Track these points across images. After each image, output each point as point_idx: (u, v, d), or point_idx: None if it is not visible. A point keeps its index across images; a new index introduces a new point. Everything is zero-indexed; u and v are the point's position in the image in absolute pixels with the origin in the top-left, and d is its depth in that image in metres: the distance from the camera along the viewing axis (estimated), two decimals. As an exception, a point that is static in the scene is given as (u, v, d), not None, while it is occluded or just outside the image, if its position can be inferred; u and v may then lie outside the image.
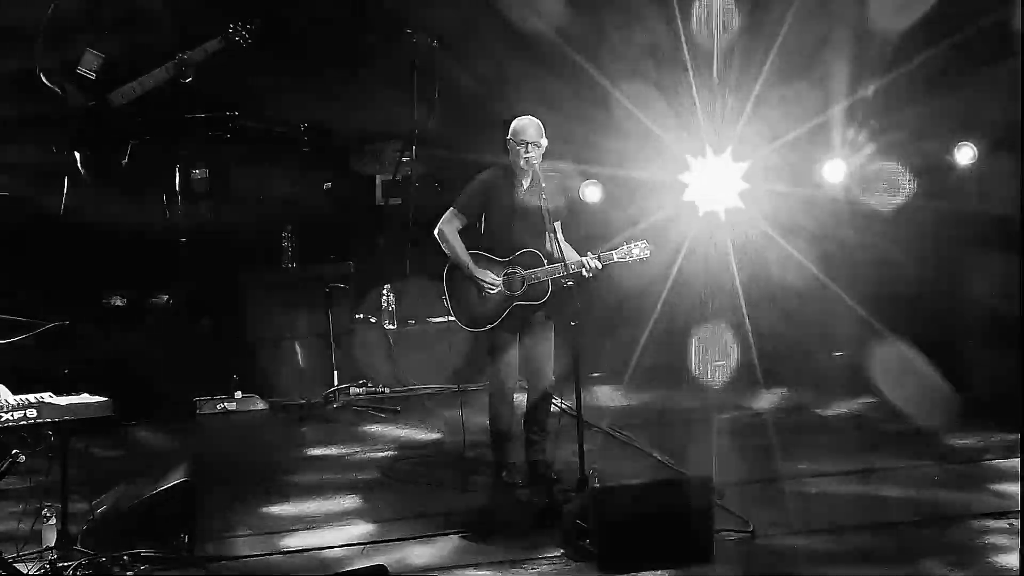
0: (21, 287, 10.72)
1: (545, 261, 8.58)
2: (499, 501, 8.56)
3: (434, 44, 11.72)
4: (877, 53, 11.20)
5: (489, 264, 8.64)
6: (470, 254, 8.63)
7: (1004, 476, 8.81)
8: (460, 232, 8.65)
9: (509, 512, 8.35)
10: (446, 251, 8.66)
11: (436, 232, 8.69)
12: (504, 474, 8.77)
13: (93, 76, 10.88)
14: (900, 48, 11.14)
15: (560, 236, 8.67)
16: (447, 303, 8.76)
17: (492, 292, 8.57)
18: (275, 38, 11.33)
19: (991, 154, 11.24)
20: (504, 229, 8.64)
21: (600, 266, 8.57)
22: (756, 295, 11.35)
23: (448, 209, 8.70)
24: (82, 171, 10.90)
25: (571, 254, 8.61)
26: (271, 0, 11.35)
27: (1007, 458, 9.07)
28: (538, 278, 8.57)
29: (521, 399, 8.88)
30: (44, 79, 10.85)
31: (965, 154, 11.35)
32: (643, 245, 8.59)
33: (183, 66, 10.83)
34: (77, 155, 10.86)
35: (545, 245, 8.60)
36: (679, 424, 10.05)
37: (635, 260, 8.60)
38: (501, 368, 8.72)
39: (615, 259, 8.60)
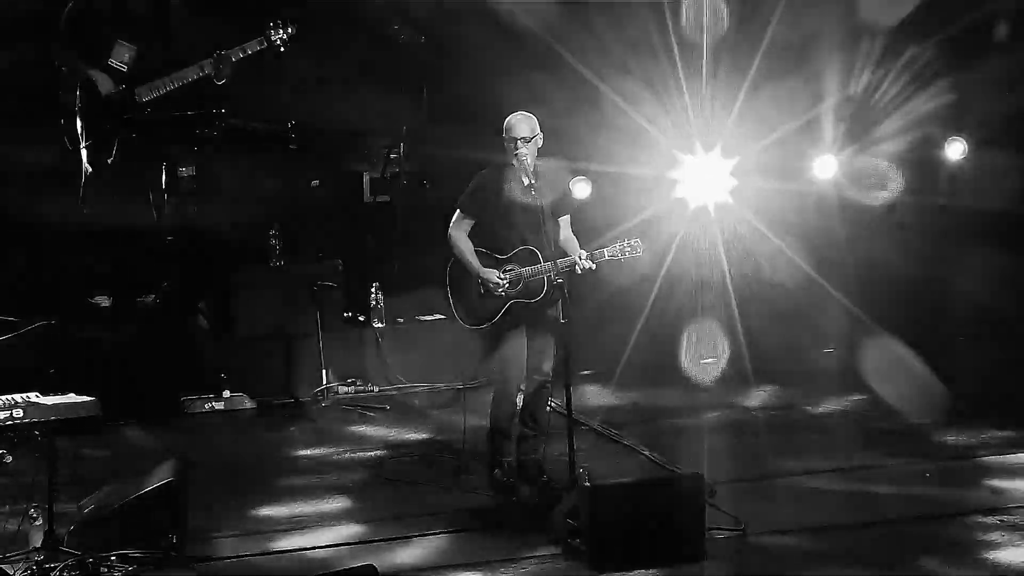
0: (7, 287, 10.71)
1: (542, 258, 8.56)
2: (490, 500, 8.54)
3: (421, 40, 11.71)
4: (867, 48, 11.21)
5: (488, 261, 8.62)
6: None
7: (996, 472, 8.82)
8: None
9: (500, 511, 8.34)
10: (455, 254, 8.65)
11: (448, 236, 8.67)
12: (496, 472, 8.74)
13: (124, 68, 10.80)
14: (890, 43, 11.16)
15: (568, 231, 8.68)
16: (449, 301, 8.75)
17: (500, 292, 8.54)
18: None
19: (981, 149, 11.25)
20: (501, 226, 8.61)
21: (592, 265, 8.54)
22: (746, 291, 11.36)
23: (455, 212, 8.69)
24: (88, 168, 10.83)
25: (574, 249, 8.60)
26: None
27: (999, 454, 9.09)
28: (533, 276, 8.55)
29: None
30: (64, 69, 10.77)
31: (956, 149, 11.36)
32: (635, 243, 8.54)
33: (220, 64, 10.71)
34: (84, 152, 10.78)
35: (542, 241, 8.58)
36: (670, 422, 10.04)
37: (627, 258, 8.57)
38: (501, 365, 8.70)
39: (606, 256, 8.57)
